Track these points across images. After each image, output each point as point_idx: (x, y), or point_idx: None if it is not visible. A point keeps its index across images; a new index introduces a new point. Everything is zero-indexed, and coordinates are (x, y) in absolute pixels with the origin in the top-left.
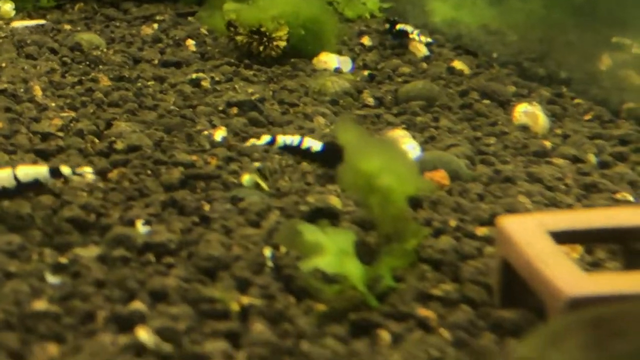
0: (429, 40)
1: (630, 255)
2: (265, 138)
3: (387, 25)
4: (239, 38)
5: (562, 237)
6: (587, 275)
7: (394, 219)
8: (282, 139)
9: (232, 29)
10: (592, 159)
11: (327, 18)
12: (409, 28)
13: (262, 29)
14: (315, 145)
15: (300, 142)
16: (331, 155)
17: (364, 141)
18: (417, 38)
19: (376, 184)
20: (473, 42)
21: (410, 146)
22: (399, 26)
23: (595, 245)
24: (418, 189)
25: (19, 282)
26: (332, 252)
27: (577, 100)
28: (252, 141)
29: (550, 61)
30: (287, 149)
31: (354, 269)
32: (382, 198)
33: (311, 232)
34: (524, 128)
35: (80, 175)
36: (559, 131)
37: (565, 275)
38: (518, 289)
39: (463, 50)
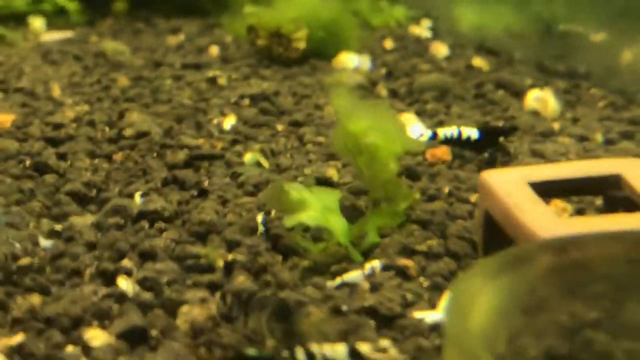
0: None
1: (609, 203)
2: (427, 133)
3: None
4: (259, 41)
5: (543, 188)
6: (561, 219)
7: (385, 182)
8: (443, 132)
9: (252, 32)
10: (599, 137)
11: (347, 20)
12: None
13: (282, 31)
14: (473, 133)
15: (460, 133)
16: (489, 139)
17: (355, 105)
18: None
19: (363, 143)
20: (496, 44)
21: (415, 127)
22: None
23: (582, 204)
24: (405, 146)
25: (11, 246)
26: (316, 208)
27: (592, 90)
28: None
29: (571, 58)
30: (448, 141)
31: (337, 224)
32: (369, 157)
33: (296, 190)
34: (535, 113)
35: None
36: (569, 115)
37: (540, 219)
38: (499, 239)
39: (485, 51)
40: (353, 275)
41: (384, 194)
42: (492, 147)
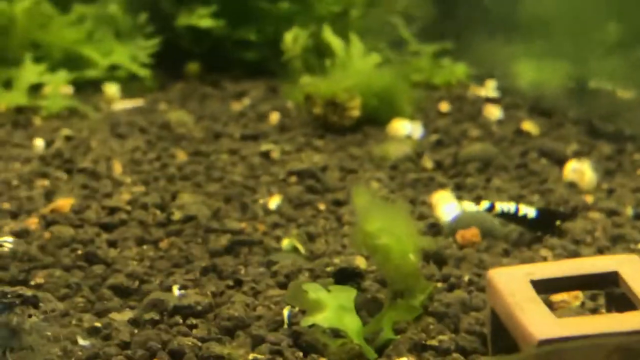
0: None
1: (609, 299)
2: (485, 204)
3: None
4: (315, 109)
5: (545, 285)
6: (558, 321)
7: (403, 276)
8: (500, 206)
9: (309, 101)
10: (629, 211)
11: (400, 86)
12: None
13: (336, 100)
14: (530, 212)
15: (517, 210)
16: (545, 221)
17: (374, 205)
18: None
19: (376, 243)
20: (553, 102)
21: (449, 207)
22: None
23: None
24: (417, 246)
25: (52, 346)
26: (331, 307)
27: (636, 156)
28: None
29: (620, 118)
30: (504, 215)
31: (351, 324)
32: (383, 256)
33: (314, 290)
34: (571, 185)
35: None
36: (605, 186)
37: (538, 321)
38: (506, 336)
39: (538, 112)
40: None
41: (402, 287)
42: (547, 229)
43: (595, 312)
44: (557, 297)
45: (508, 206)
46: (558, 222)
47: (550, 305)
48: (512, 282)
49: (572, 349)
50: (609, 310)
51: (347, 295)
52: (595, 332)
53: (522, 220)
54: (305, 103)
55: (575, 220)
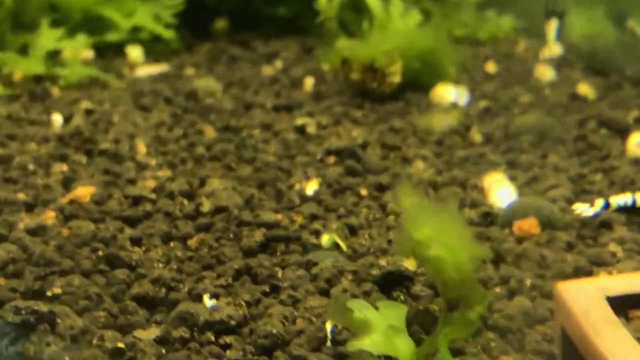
0: None
1: None
2: (599, 203)
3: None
4: (353, 75)
5: (622, 302)
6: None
7: (458, 284)
8: (616, 201)
9: (346, 65)
10: None
11: (444, 47)
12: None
13: (375, 65)
14: None
15: (635, 201)
16: None
17: (421, 208)
18: None
19: (427, 254)
20: (608, 57)
21: (503, 192)
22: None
23: None
24: (471, 257)
25: None
26: (380, 329)
27: None
28: (578, 208)
29: None
30: (623, 210)
31: (403, 348)
32: (434, 268)
33: (360, 308)
34: (637, 161)
35: None
36: None
37: (618, 347)
38: (579, 357)
39: (593, 70)
40: None
41: (458, 295)
42: None
43: None
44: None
45: (624, 199)
46: None
47: (627, 318)
48: (585, 299)
49: None
50: None
51: (397, 313)
52: None
53: None
54: (342, 68)
55: None
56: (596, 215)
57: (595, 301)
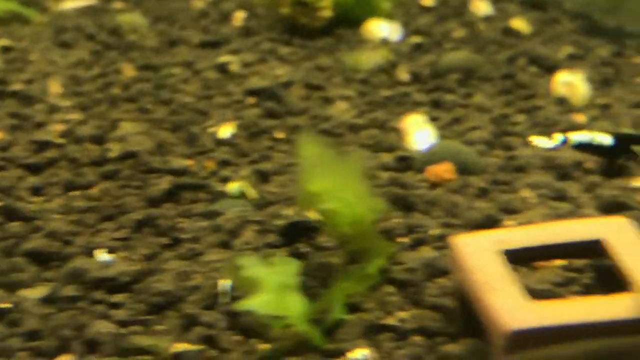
0: None
1: (598, 271)
2: (558, 137)
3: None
4: (283, 10)
5: (519, 256)
6: (535, 305)
7: (355, 237)
8: (574, 137)
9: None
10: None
11: None
12: None
13: None
14: (606, 140)
15: (591, 139)
16: (623, 147)
17: (321, 159)
18: None
19: (322, 207)
20: None
21: (422, 134)
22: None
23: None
24: (366, 212)
25: None
26: (272, 287)
27: (636, 59)
28: (535, 141)
29: (622, 11)
30: (581, 147)
31: (294, 306)
32: (330, 222)
33: (251, 267)
34: (561, 101)
35: None
36: (600, 101)
37: (510, 305)
38: (474, 318)
39: (530, 4)
40: None
41: (356, 249)
42: (625, 155)
43: (582, 272)
44: None
45: (582, 136)
46: (637, 147)
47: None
48: (480, 255)
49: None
50: (598, 285)
51: (289, 269)
52: (577, 322)
53: (599, 149)
54: (272, 1)
55: None
56: (554, 149)
57: (489, 255)
